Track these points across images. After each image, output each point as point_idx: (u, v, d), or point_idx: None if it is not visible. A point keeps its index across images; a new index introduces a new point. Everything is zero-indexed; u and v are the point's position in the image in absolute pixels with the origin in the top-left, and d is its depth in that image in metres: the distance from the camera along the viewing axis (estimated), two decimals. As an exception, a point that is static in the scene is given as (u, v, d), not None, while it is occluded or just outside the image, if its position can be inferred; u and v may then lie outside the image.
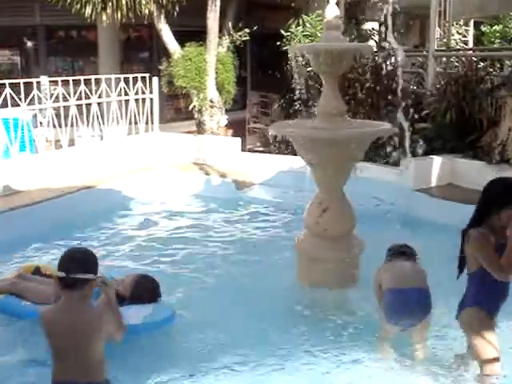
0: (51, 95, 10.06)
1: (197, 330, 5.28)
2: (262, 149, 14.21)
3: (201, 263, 7.07)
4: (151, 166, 10.65)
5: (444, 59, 12.85)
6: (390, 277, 4.99)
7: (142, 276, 5.58)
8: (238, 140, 11.76)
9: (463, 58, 12.02)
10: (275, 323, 5.41)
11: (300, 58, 11.85)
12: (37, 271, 5.88)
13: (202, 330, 5.27)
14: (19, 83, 9.38)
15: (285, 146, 11.86)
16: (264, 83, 17.91)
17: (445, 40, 14.55)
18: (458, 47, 16.39)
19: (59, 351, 3.70)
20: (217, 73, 13.18)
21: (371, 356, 4.83)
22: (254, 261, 7.08)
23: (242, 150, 11.96)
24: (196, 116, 13.41)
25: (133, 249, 7.68)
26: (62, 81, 10.09)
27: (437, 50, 12.74)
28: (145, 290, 5.43)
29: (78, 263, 3.68)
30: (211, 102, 13.07)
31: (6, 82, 9.30)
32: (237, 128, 14.67)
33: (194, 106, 13.19)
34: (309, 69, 11.19)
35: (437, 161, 9.41)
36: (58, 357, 3.71)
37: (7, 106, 9.25)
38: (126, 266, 6.88)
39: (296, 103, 12.46)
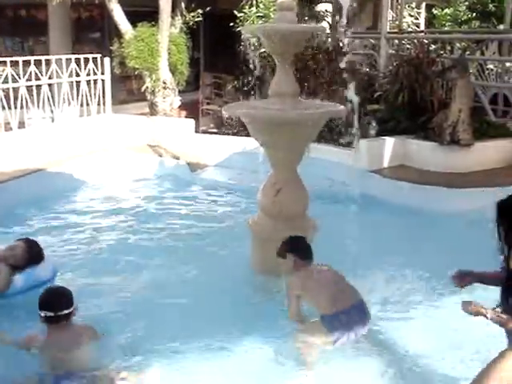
0: (0, 76, 9.84)
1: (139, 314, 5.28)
2: (215, 130, 14.16)
3: (152, 245, 7.05)
4: (104, 148, 10.53)
5: (396, 41, 12.99)
6: (323, 297, 4.67)
7: (27, 241, 5.67)
8: (192, 121, 11.71)
9: (415, 41, 12.16)
10: (218, 303, 5.42)
11: (253, 39, 11.84)
12: None
13: (146, 314, 5.26)
14: (-34, 63, 9.17)
15: (238, 128, 11.84)
16: (217, 64, 17.82)
17: (397, 22, 14.70)
18: (409, 29, 16.56)
19: None
20: (169, 54, 13.05)
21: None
22: (206, 242, 7.09)
23: (196, 131, 11.92)
24: (149, 97, 13.27)
25: (80, 232, 7.57)
26: (11, 61, 9.88)
27: (389, 32, 12.88)
28: (37, 253, 5.62)
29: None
30: (164, 83, 12.95)
31: (-47, 62, 9.09)
32: (190, 109, 14.59)
33: (147, 88, 13.05)
34: (262, 50, 11.18)
35: (389, 142, 9.51)
36: None
37: (-46, 88, 9.04)
38: (74, 248, 6.84)
39: (249, 84, 12.45)
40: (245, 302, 5.54)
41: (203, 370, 4.50)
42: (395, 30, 14.01)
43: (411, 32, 15.82)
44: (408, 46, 12.65)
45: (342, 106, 6.27)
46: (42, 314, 4.31)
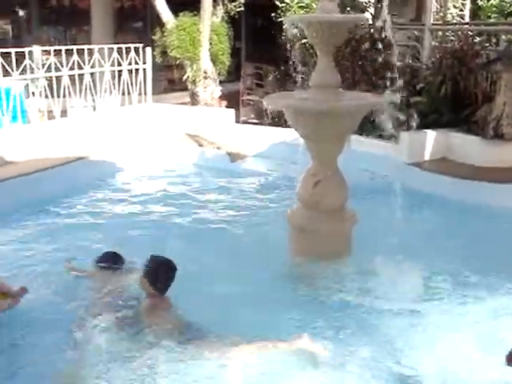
0: (43, 65, 9.96)
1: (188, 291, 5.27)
2: (256, 121, 14.15)
3: (193, 232, 7.08)
4: (144, 137, 10.59)
5: (440, 33, 12.77)
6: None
7: None
8: (232, 112, 11.72)
9: (459, 32, 11.94)
10: (261, 292, 5.40)
11: (295, 30, 11.75)
12: None
13: (192, 293, 5.26)
14: (10, 53, 9.28)
15: (279, 118, 11.80)
16: (259, 54, 17.77)
17: (441, 14, 14.46)
18: (454, 21, 16.29)
19: None
20: (211, 43, 13.08)
21: (356, 332, 4.81)
22: (245, 231, 7.10)
23: (236, 121, 11.92)
24: (189, 87, 13.33)
25: (124, 218, 7.67)
26: (55, 50, 9.99)
27: (433, 24, 12.65)
28: None
29: None
30: (205, 73, 12.99)
31: (-2, 51, 9.22)
32: (231, 100, 14.59)
33: (188, 77, 13.11)
34: (304, 40, 11.11)
35: (431, 135, 9.38)
36: None
37: (-1, 76, 9.18)
38: (119, 234, 6.89)
39: (290, 75, 12.37)
40: (281, 291, 5.54)
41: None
42: (439, 22, 13.77)
43: (455, 24, 15.55)
44: (452, 37, 12.44)
45: (383, 98, 6.20)
46: None
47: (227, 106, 13.41)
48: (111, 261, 5.55)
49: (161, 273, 4.80)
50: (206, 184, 9.27)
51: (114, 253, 5.68)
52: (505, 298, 5.27)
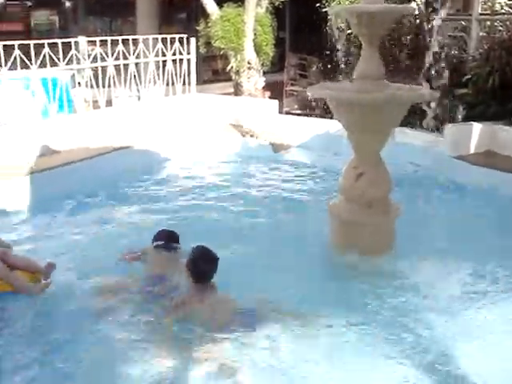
0: (89, 55, 10.08)
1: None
2: (299, 112, 14.11)
3: (233, 224, 7.06)
4: (188, 127, 10.65)
5: (488, 23, 12.55)
6: None
7: None
8: (276, 102, 11.70)
9: (508, 22, 11.72)
10: (301, 282, 5.41)
11: (340, 20, 11.68)
12: None
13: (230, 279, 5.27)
14: (57, 43, 9.41)
15: (323, 110, 11.76)
16: (303, 45, 17.68)
17: (489, 3, 14.18)
18: (502, 11, 15.98)
19: None
20: (255, 34, 13.06)
21: (389, 326, 4.79)
22: (287, 221, 7.10)
23: (280, 112, 11.90)
24: (233, 77, 13.35)
25: (169, 207, 7.71)
26: (100, 41, 10.10)
27: (480, 14, 12.43)
28: None
29: None
30: (249, 63, 12.98)
31: (45, 41, 9.35)
32: (274, 90, 14.55)
33: (232, 68, 13.13)
34: (349, 31, 11.03)
35: (476, 127, 9.22)
36: None
37: (46, 66, 9.30)
38: (165, 222, 6.97)
39: (335, 66, 12.32)
40: (321, 281, 5.54)
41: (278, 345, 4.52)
42: (487, 12, 13.53)
43: (504, 13, 15.25)
44: (500, 28, 12.22)
45: (429, 90, 6.12)
46: None
47: (270, 97, 13.39)
48: (166, 238, 5.56)
49: (200, 264, 4.84)
50: (249, 174, 9.28)
51: (170, 231, 5.69)
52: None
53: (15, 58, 9.18)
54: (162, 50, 10.96)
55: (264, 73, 13.63)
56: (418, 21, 11.84)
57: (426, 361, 4.37)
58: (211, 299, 4.77)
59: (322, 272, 5.81)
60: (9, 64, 9.16)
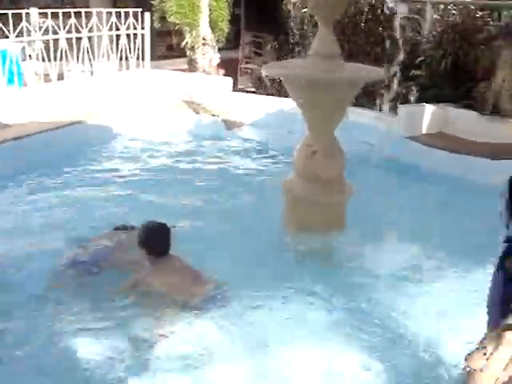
0: (40, 28, 9.86)
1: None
2: (253, 90, 14.07)
3: (183, 202, 7.05)
4: (141, 103, 10.53)
5: (442, 6, 12.66)
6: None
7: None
8: (230, 80, 11.66)
9: (461, 7, 11.85)
10: (254, 260, 5.44)
11: (296, -1, 11.65)
12: None
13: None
14: (7, 14, 9.19)
15: (276, 88, 11.75)
16: (258, 23, 17.59)
17: (444, -14, 14.31)
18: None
19: None
20: (210, 10, 12.94)
21: (343, 300, 4.87)
22: (239, 200, 7.11)
23: (234, 89, 11.85)
24: (188, 54, 13.21)
25: (118, 182, 7.69)
26: (52, 13, 9.89)
27: (435, -4, 12.54)
28: None
29: None
30: (204, 39, 12.87)
31: (-6, 12, 9.13)
32: (229, 68, 14.46)
33: (187, 43, 12.99)
34: (304, 10, 11.01)
35: (428, 108, 9.34)
36: None
37: (-5, 38, 9.10)
38: (116, 196, 6.90)
39: (290, 44, 12.30)
40: (275, 258, 5.57)
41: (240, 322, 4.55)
42: (441, -6, 13.67)
43: (457, -3, 15.44)
44: (454, 11, 12.35)
45: (382, 70, 6.15)
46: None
47: (225, 74, 13.31)
48: (121, 228, 5.49)
49: (153, 239, 4.81)
50: (201, 151, 9.25)
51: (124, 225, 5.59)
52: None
53: (-37, 28, 8.95)
54: (115, 24, 10.79)
55: (219, 49, 13.52)
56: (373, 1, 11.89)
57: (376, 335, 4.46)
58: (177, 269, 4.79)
59: (270, 250, 5.78)
60: (-44, 34, 8.94)
